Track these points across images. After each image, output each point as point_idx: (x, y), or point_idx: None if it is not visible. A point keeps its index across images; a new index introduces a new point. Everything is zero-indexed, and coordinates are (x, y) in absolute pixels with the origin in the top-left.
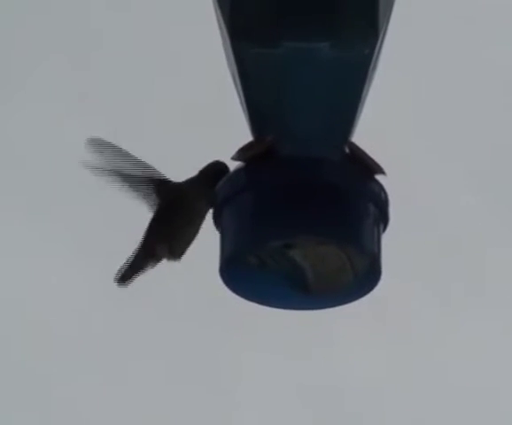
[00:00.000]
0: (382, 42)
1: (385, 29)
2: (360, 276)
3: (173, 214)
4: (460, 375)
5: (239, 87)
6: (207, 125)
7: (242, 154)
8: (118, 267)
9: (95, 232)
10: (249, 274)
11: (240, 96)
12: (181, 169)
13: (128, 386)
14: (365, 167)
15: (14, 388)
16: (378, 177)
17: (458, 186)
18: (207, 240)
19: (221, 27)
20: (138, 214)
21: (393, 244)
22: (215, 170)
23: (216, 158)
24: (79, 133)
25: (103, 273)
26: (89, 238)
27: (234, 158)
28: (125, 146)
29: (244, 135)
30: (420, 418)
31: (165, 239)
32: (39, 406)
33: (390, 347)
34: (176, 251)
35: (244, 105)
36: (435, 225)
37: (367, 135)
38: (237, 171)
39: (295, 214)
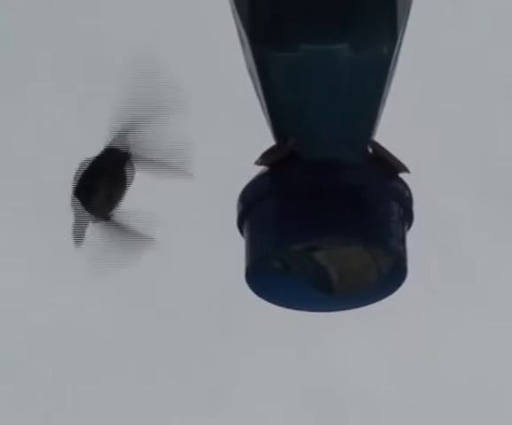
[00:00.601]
0: (401, 41)
1: (404, 29)
2: (385, 276)
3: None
4: (462, 378)
5: (260, 91)
6: (229, 130)
7: (265, 159)
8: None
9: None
10: (273, 278)
11: (261, 101)
12: (202, 174)
13: (128, 386)
14: (388, 166)
15: (13, 388)
16: (402, 175)
17: (460, 187)
18: (215, 240)
19: (239, 32)
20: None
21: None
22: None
23: (239, 164)
24: (78, 133)
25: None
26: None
27: (257, 163)
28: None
29: (267, 140)
30: (421, 419)
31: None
32: (38, 406)
33: (393, 348)
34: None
35: (266, 110)
36: (438, 227)
37: (387, 134)
38: (261, 176)
39: (319, 217)
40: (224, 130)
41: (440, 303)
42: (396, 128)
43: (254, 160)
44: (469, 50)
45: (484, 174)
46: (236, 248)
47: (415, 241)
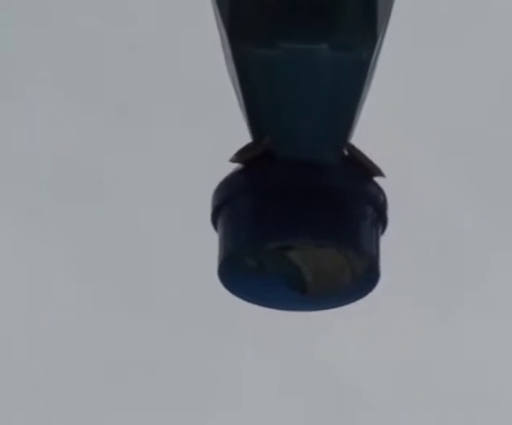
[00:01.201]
0: (381, 43)
1: (384, 31)
2: (359, 278)
3: None
4: (458, 377)
5: (238, 88)
6: (206, 127)
7: (240, 156)
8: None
9: (93, 232)
10: (247, 275)
11: (239, 98)
12: (178, 171)
13: (128, 386)
14: (364, 169)
15: (12, 388)
16: (377, 179)
17: (457, 189)
18: (205, 241)
19: (220, 29)
20: (137, 214)
21: (391, 247)
22: None
23: (214, 160)
24: (77, 133)
25: (102, 273)
26: (87, 238)
27: (232, 161)
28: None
29: (243, 138)
30: (419, 419)
31: None
32: (38, 406)
33: (387, 348)
34: None
35: (243, 107)
36: (433, 228)
37: (364, 137)
38: (235, 173)
39: (293, 217)
40: (201, 127)
41: (430, 302)
42: (374, 131)
43: (229, 158)
44: (454, 50)
45: (470, 173)
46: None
47: (413, 243)
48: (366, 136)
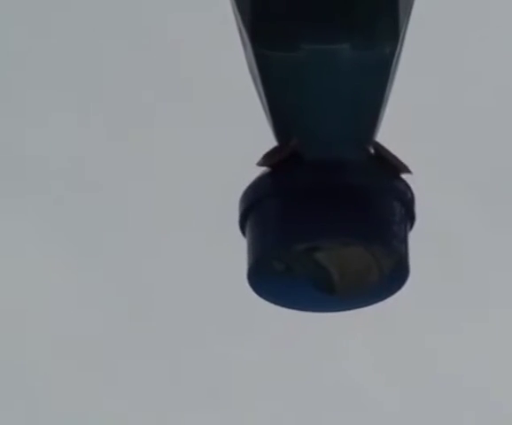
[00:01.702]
0: (402, 41)
1: (405, 29)
2: (386, 276)
3: None
4: (460, 379)
5: (261, 92)
6: (232, 131)
7: (267, 160)
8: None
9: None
10: (275, 278)
11: (263, 102)
12: (205, 175)
13: (127, 387)
14: (390, 167)
15: (12, 388)
16: (404, 176)
17: (461, 189)
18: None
19: (241, 32)
20: (135, 214)
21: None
22: None
23: (241, 165)
24: (77, 133)
25: (101, 274)
26: (87, 239)
27: (259, 164)
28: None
29: (269, 141)
30: (420, 421)
31: None
32: (38, 407)
33: (392, 351)
34: None
35: (267, 110)
36: (435, 229)
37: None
38: (263, 177)
39: (321, 217)
40: (226, 131)
41: (439, 304)
42: (398, 129)
43: (256, 161)
44: (473, 51)
45: (483, 177)
46: (238, 249)
47: (414, 242)
48: (391, 134)
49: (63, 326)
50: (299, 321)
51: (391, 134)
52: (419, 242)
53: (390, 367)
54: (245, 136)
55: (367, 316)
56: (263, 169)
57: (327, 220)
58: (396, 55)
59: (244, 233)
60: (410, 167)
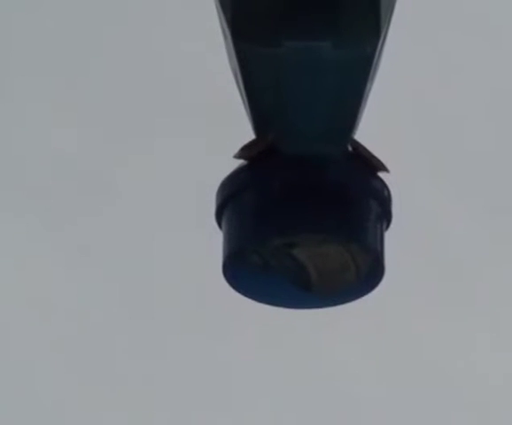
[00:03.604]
0: (384, 40)
1: (387, 28)
2: (363, 274)
3: None
4: (457, 376)
5: (241, 86)
6: (210, 124)
7: (244, 152)
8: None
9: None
10: (251, 273)
11: (242, 95)
12: (183, 168)
13: (126, 388)
14: (368, 165)
15: (12, 388)
16: (381, 175)
17: (442, 185)
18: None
19: (222, 27)
20: (134, 214)
21: (390, 244)
22: None
23: (219, 157)
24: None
25: (100, 274)
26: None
27: (236, 157)
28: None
29: (247, 134)
30: (419, 418)
31: None
32: (37, 407)
33: (388, 347)
34: None
35: (247, 104)
36: (421, 225)
37: (368, 134)
38: (239, 169)
39: (297, 212)
40: (204, 124)
41: (427, 300)
42: (378, 127)
43: (233, 154)
44: (461, 49)
45: (466, 173)
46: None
47: (398, 240)
48: (369, 133)
49: (63, 326)
50: (277, 318)
51: (371, 132)
52: (408, 238)
53: (375, 363)
54: (224, 129)
55: (346, 313)
56: (240, 162)
57: (303, 216)
58: (377, 53)
59: (220, 225)
60: (389, 164)
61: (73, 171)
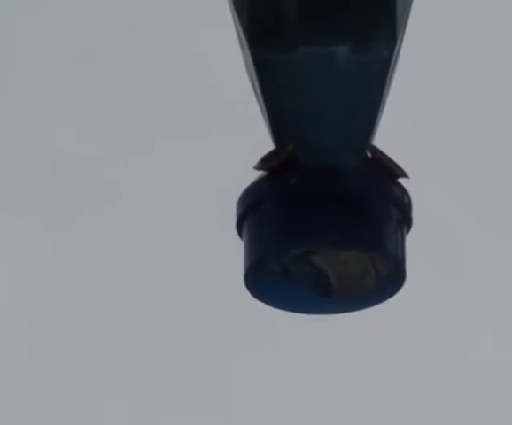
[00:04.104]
0: (400, 44)
1: (403, 32)
2: (383, 279)
3: None
4: (462, 381)
5: (259, 94)
6: (229, 133)
7: (264, 163)
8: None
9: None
10: (272, 281)
11: (260, 104)
12: (184, 168)
13: (126, 388)
14: (387, 171)
15: (11, 388)
16: (401, 181)
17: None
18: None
19: (238, 34)
20: (134, 215)
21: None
22: None
23: (219, 158)
24: (76, 135)
25: (100, 274)
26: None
27: (256, 168)
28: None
29: (267, 145)
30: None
31: None
32: (37, 407)
33: (393, 351)
34: None
35: (265, 113)
36: (435, 232)
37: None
38: (259, 180)
39: (317, 222)
40: (224, 133)
41: (439, 307)
42: (395, 133)
43: (253, 164)
44: (473, 53)
45: (480, 180)
46: (235, 251)
47: (413, 246)
48: (388, 138)
49: (62, 326)
50: (297, 323)
51: (389, 137)
52: (419, 244)
53: (389, 369)
54: (244, 139)
55: (364, 318)
56: (260, 173)
57: (324, 225)
58: (394, 57)
59: (241, 236)
60: (408, 171)
61: (73, 171)
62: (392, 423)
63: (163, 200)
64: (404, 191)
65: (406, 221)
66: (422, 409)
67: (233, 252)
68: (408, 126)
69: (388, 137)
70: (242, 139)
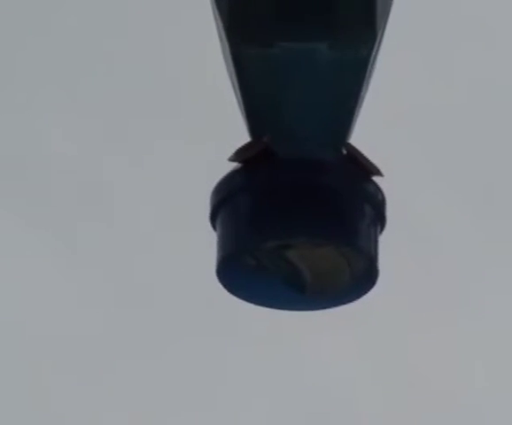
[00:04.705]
0: (380, 42)
1: (383, 29)
2: (357, 277)
3: None
4: (440, 377)
5: (236, 87)
6: (205, 126)
7: (238, 155)
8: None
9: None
10: (245, 275)
11: (237, 97)
12: (180, 170)
13: (126, 388)
14: (362, 168)
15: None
16: (376, 179)
17: (437, 187)
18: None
19: (218, 28)
20: (134, 215)
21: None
22: None
23: (213, 160)
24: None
25: (100, 275)
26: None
27: (231, 160)
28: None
29: (242, 137)
30: (400, 418)
31: None
32: (37, 408)
33: (377, 349)
34: None
35: (242, 106)
36: (414, 228)
37: (363, 137)
38: (234, 172)
39: (292, 216)
40: (224, 134)
41: (418, 303)
42: (372, 130)
43: (228, 157)
44: (453, 50)
45: (461, 173)
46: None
47: (392, 242)
48: (364, 136)
49: (61, 326)
50: (272, 320)
51: (366, 135)
52: (401, 241)
53: (368, 366)
54: (220, 132)
55: (345, 315)
56: (235, 165)
57: (298, 219)
58: (373, 55)
59: (214, 228)
60: (384, 168)
61: (73, 172)
62: (379, 423)
63: (163, 200)
64: (378, 189)
65: (380, 219)
66: (404, 408)
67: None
68: (390, 124)
69: (370, 136)
70: (242, 139)
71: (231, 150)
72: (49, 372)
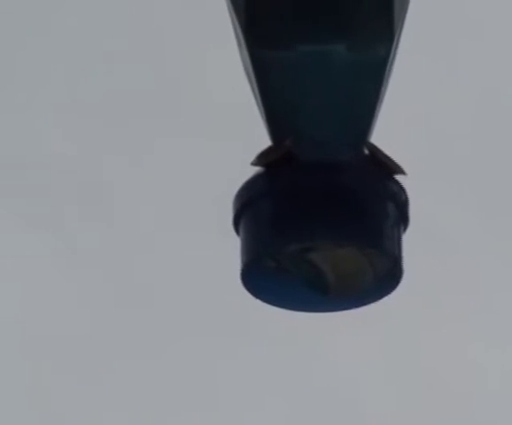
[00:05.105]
0: (397, 43)
1: (401, 29)
2: (380, 277)
3: None
4: (458, 378)
5: (256, 92)
6: (226, 131)
7: (261, 159)
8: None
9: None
10: (268, 278)
11: (257, 101)
12: (184, 169)
13: (126, 388)
14: (384, 168)
15: (11, 389)
16: (398, 177)
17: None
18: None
19: (236, 32)
20: (134, 215)
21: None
22: None
23: (219, 158)
24: (76, 136)
25: (100, 274)
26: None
27: (253, 164)
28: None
29: (264, 141)
30: (416, 419)
31: None
32: (37, 408)
33: (389, 349)
34: None
35: (262, 110)
36: (432, 230)
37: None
38: (256, 176)
39: (315, 218)
40: (224, 133)
41: (435, 305)
42: (393, 130)
43: (251, 161)
44: (471, 51)
45: (477, 178)
46: (232, 248)
47: (410, 243)
48: (385, 135)
49: (62, 326)
50: (294, 321)
51: (386, 135)
52: (415, 242)
53: (385, 366)
54: (241, 136)
55: (361, 316)
56: (257, 169)
57: (321, 221)
58: (391, 56)
59: (237, 232)
60: (405, 169)
61: (73, 172)
62: (389, 423)
63: (162, 200)
64: (401, 188)
65: (403, 219)
66: (419, 409)
67: (233, 251)
68: (408, 124)
69: (387, 135)
70: (241, 139)
71: (231, 150)
72: (49, 372)
